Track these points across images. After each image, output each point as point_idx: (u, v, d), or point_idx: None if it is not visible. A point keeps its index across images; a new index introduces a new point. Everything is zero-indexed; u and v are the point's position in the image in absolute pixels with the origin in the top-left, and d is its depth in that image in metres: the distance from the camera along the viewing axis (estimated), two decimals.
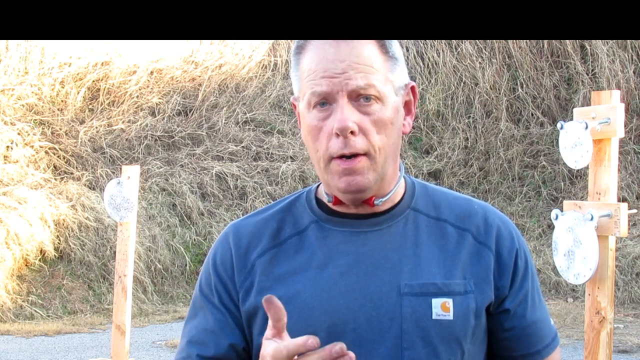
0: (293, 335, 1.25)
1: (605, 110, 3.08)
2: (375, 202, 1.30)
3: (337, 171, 1.25)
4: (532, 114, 12.20)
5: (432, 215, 1.33)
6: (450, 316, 1.25)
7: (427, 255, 1.29)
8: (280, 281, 1.29)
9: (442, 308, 1.25)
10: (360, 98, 1.24)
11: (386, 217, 1.31)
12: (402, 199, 1.34)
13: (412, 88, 1.33)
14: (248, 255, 1.33)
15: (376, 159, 1.25)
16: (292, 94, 1.36)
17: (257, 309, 1.28)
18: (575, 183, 11.25)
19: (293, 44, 1.34)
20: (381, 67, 1.25)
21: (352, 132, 1.22)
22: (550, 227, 10.02)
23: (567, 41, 12.12)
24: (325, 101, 1.24)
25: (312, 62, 1.25)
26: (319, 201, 1.36)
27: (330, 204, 1.33)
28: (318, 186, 1.38)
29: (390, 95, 1.26)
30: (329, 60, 1.24)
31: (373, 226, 1.30)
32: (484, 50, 12.71)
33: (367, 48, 1.25)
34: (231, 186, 11.45)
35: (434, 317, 1.24)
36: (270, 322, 1.08)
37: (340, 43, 1.25)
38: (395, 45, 1.30)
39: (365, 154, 1.24)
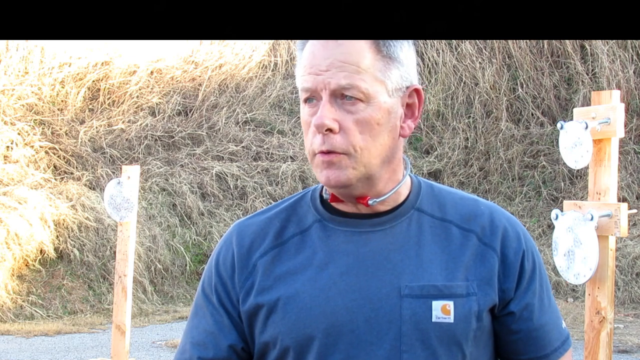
0: (291, 336, 1.24)
1: (605, 110, 3.07)
2: (370, 202, 1.28)
3: (318, 164, 1.25)
4: (532, 114, 12.19)
5: (437, 216, 1.31)
6: (450, 319, 1.22)
7: (430, 257, 1.26)
8: (280, 280, 1.28)
9: (442, 311, 1.23)
10: (344, 97, 1.23)
11: (389, 217, 1.29)
12: (406, 199, 1.32)
13: (417, 91, 1.30)
14: (250, 255, 1.32)
15: (357, 158, 1.23)
16: (292, 93, 1.37)
17: (258, 308, 1.28)
18: (575, 183, 11.24)
19: (293, 43, 1.35)
20: (370, 66, 1.23)
21: (331, 130, 1.22)
22: (550, 227, 10.02)
23: (567, 41, 12.11)
24: (313, 97, 1.25)
25: (305, 58, 1.27)
26: (323, 200, 1.34)
27: (328, 200, 1.32)
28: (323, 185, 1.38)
29: (380, 96, 1.24)
30: (315, 57, 1.24)
31: (375, 226, 1.29)
32: (484, 50, 12.70)
33: (356, 47, 1.23)
34: (231, 186, 11.44)
35: (433, 319, 1.22)
36: None
37: (329, 41, 1.24)
38: (394, 45, 1.26)
39: (345, 154, 1.23)
